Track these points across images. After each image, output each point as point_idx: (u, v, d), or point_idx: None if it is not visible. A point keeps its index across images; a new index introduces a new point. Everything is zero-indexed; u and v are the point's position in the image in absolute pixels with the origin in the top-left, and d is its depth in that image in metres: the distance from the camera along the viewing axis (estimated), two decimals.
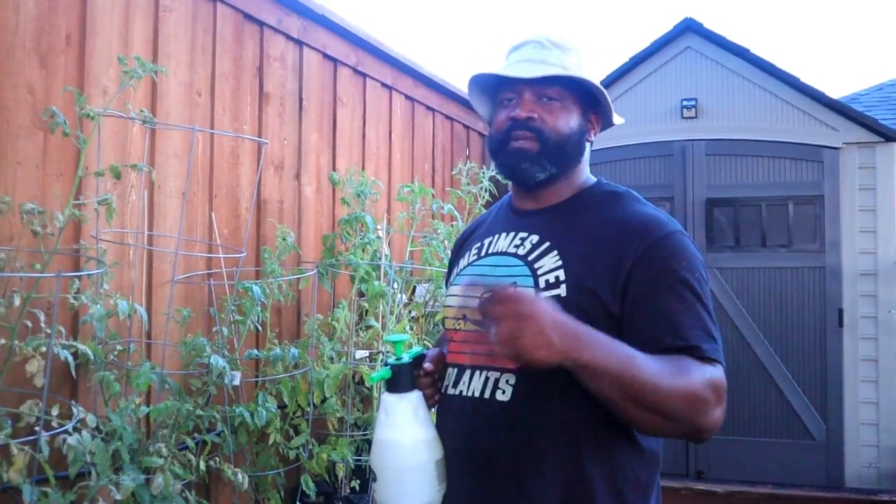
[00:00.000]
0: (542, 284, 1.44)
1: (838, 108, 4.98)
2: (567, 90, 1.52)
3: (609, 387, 1.27)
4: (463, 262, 1.66)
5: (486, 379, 1.47)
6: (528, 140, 1.50)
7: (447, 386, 1.55)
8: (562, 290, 1.42)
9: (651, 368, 1.27)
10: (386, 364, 1.47)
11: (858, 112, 5.03)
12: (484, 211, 4.22)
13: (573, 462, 1.39)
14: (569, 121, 1.52)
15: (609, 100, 1.57)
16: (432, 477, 1.42)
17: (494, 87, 1.61)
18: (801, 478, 4.89)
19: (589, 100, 1.56)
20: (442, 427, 1.55)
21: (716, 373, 1.34)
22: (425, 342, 3.77)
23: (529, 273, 1.47)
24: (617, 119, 1.62)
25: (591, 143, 1.60)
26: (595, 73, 1.60)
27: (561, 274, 1.43)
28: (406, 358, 1.47)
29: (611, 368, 1.25)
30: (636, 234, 1.43)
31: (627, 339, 1.38)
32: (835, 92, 10.14)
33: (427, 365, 1.52)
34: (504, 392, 1.43)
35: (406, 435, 1.42)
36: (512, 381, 1.43)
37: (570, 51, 1.55)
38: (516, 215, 1.62)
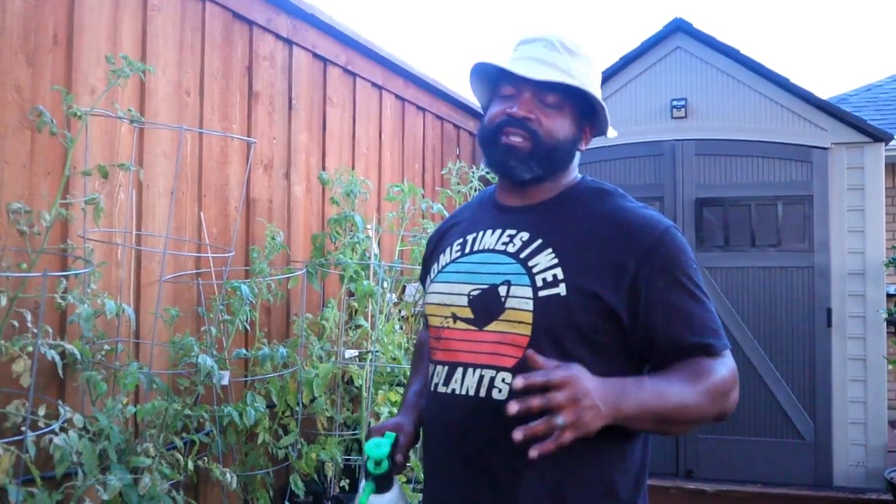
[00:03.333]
0: (539, 283, 1.43)
1: (827, 109, 5.00)
2: (567, 98, 1.52)
3: (644, 423, 1.35)
4: (444, 259, 1.63)
5: (481, 378, 1.45)
6: (522, 138, 1.50)
7: (437, 384, 1.54)
8: (561, 290, 1.41)
9: (676, 392, 1.36)
10: (368, 476, 1.53)
11: (847, 112, 5.04)
12: None
13: (567, 455, 1.38)
14: (564, 128, 1.52)
15: (607, 114, 1.55)
16: None
17: (495, 79, 1.59)
18: (790, 477, 4.91)
19: (586, 110, 1.55)
20: (432, 425, 1.56)
21: (728, 364, 1.42)
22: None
23: (524, 271, 1.46)
24: (611, 133, 1.62)
25: (582, 151, 1.60)
26: (598, 83, 1.59)
27: (559, 272, 1.43)
28: (385, 465, 1.52)
29: (645, 411, 1.32)
30: (634, 233, 1.45)
31: (644, 339, 1.42)
32: (824, 92, 10.19)
33: (399, 457, 1.57)
34: (501, 391, 1.42)
35: None
36: (509, 379, 1.42)
37: (579, 58, 1.54)
38: (501, 212, 1.60)
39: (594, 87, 1.54)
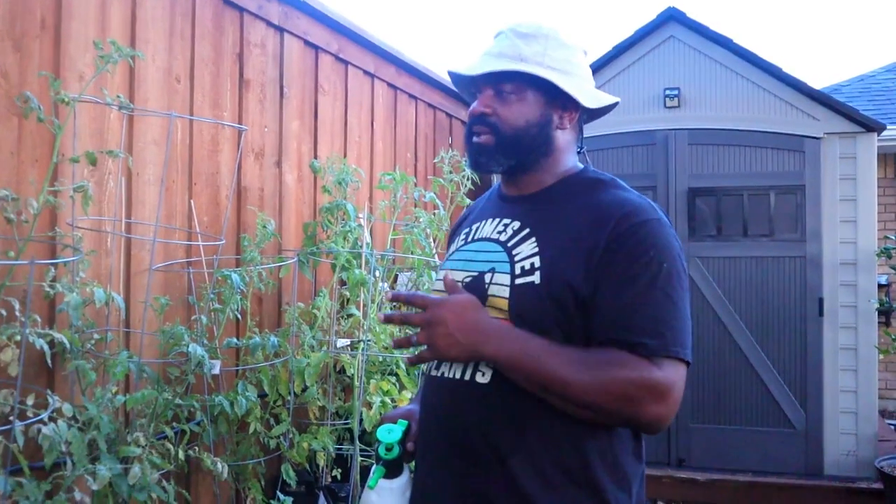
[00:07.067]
0: (517, 271, 1.45)
1: (820, 99, 4.99)
2: (524, 82, 1.52)
3: (522, 380, 1.38)
4: (453, 248, 1.68)
5: (467, 362, 1.48)
6: (485, 134, 1.53)
7: (430, 368, 1.59)
8: (535, 278, 1.43)
9: (564, 363, 1.35)
10: (380, 461, 1.55)
11: (840, 102, 5.04)
12: (467, 199, 4.23)
13: (550, 439, 1.41)
14: (525, 113, 1.52)
15: (568, 88, 1.51)
16: None
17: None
18: (781, 466, 4.93)
19: (558, 90, 1.52)
20: (425, 408, 1.60)
21: (654, 372, 1.33)
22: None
23: (507, 259, 1.48)
24: (594, 100, 1.57)
25: (566, 129, 1.58)
26: (564, 56, 1.54)
27: (536, 261, 1.44)
28: (396, 450, 1.55)
29: (516, 362, 1.37)
30: (611, 218, 1.42)
31: (587, 326, 1.40)
32: (817, 82, 10.20)
33: (409, 445, 1.60)
34: (484, 374, 1.45)
35: None
36: (492, 363, 1.45)
37: (535, 39, 1.53)
38: (503, 201, 1.64)
39: (553, 63, 1.51)
